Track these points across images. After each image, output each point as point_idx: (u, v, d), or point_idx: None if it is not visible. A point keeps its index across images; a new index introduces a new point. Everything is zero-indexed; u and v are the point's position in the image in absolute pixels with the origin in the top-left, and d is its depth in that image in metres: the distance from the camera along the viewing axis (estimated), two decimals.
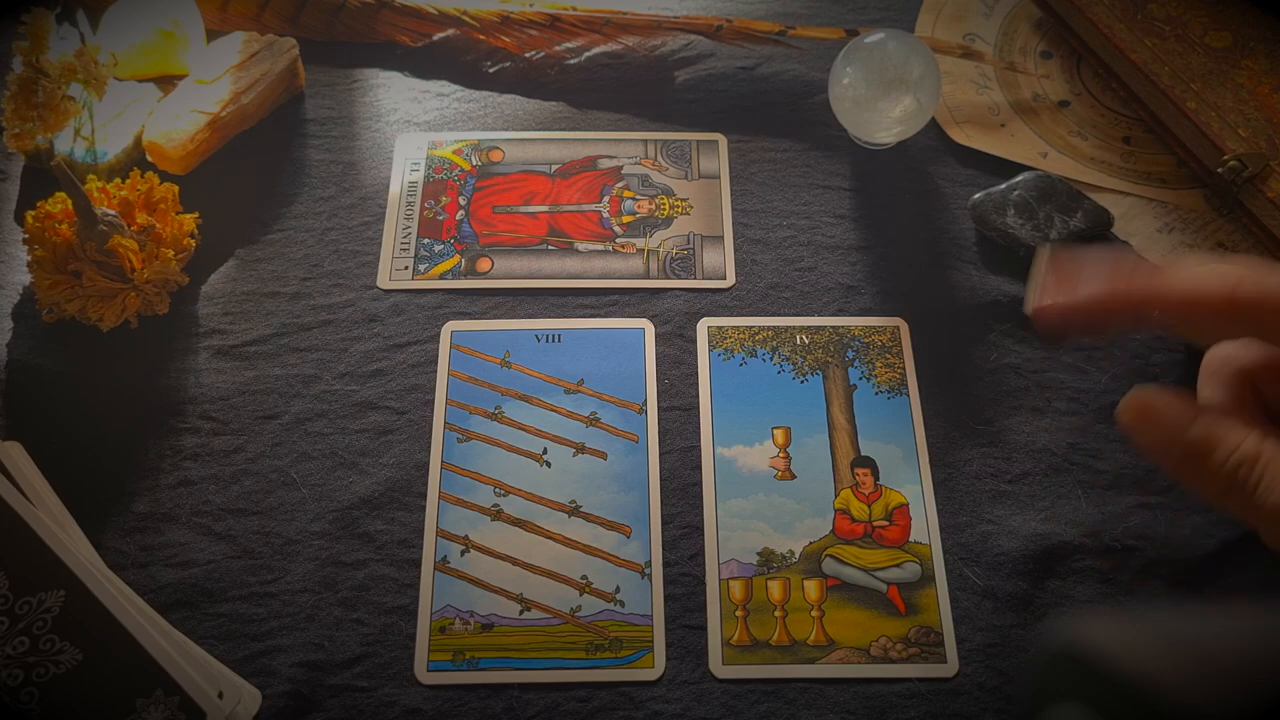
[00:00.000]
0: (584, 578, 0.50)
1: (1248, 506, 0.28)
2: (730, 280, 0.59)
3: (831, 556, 0.51)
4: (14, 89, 0.53)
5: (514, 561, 0.51)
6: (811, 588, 0.50)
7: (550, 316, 0.58)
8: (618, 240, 0.61)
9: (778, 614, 0.49)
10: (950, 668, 0.48)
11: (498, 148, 0.64)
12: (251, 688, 0.47)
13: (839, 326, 0.57)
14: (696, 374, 0.56)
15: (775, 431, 0.54)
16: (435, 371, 0.56)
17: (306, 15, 0.68)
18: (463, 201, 0.62)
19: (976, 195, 0.60)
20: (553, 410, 0.55)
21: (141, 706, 0.45)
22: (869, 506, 0.52)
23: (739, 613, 0.49)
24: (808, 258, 0.60)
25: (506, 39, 0.68)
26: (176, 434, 0.54)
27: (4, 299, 0.58)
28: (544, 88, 0.67)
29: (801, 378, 0.56)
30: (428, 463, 0.53)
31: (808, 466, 0.53)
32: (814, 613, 0.50)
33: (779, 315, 0.58)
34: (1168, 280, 0.30)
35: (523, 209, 0.62)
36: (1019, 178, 0.61)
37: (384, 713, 0.47)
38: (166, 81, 0.64)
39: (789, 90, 0.67)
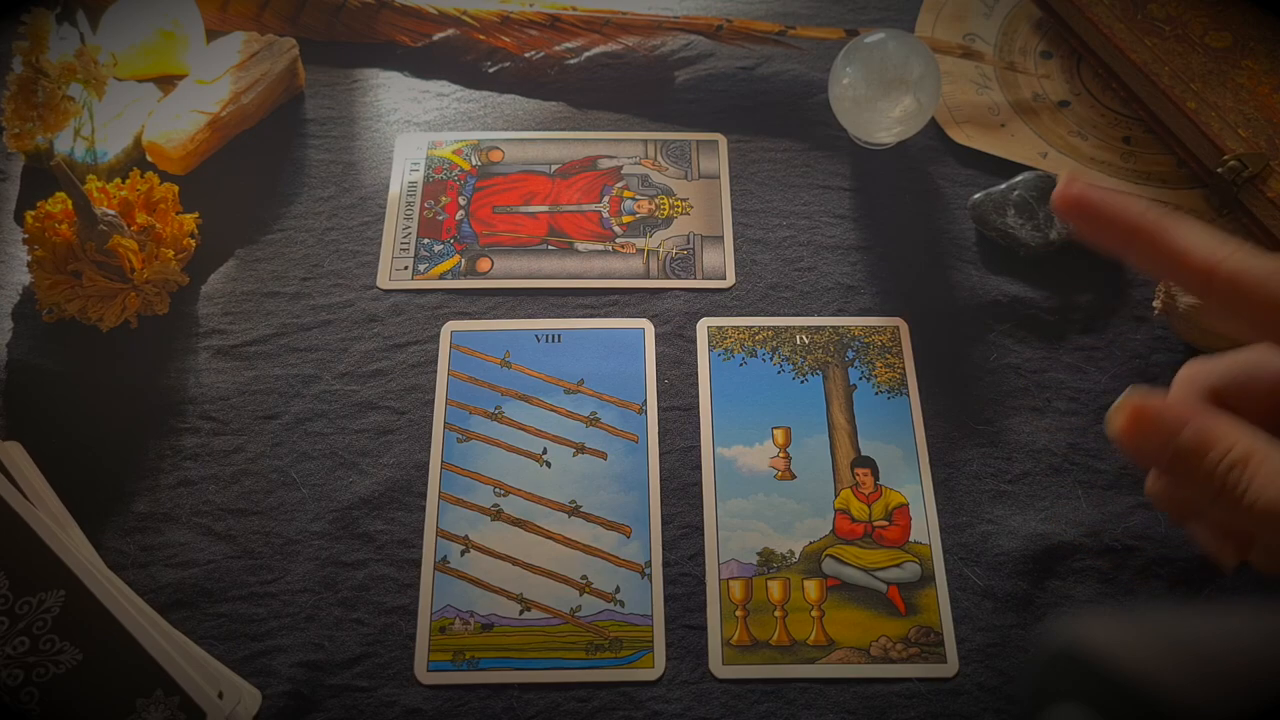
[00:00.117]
0: (584, 578, 0.50)
1: (1237, 509, 0.28)
2: (730, 280, 0.59)
3: (831, 556, 0.51)
4: (14, 89, 0.53)
5: (514, 561, 0.51)
6: (811, 588, 0.50)
7: (550, 316, 0.58)
8: (618, 240, 0.61)
9: (778, 614, 0.49)
10: (950, 668, 0.48)
11: (498, 148, 0.64)
12: (251, 688, 0.47)
13: (839, 326, 0.57)
14: (696, 374, 0.56)
15: (775, 431, 0.54)
16: (435, 371, 0.56)
17: (306, 15, 0.68)
18: (463, 201, 0.62)
19: (976, 195, 0.60)
20: (553, 410, 0.55)
21: (141, 706, 0.45)
22: (869, 506, 0.52)
23: (739, 613, 0.49)
24: (808, 258, 0.60)
25: (506, 39, 0.68)
26: (176, 434, 0.54)
27: (4, 299, 0.58)
28: (544, 88, 0.67)
29: (801, 378, 0.56)
30: (428, 463, 0.53)
31: (808, 466, 0.53)
32: (814, 613, 0.50)
33: (779, 315, 0.58)
34: (1171, 227, 0.30)
35: (523, 209, 0.62)
36: (1019, 178, 0.61)
37: (384, 713, 0.47)
38: (166, 81, 0.64)
39: (789, 90, 0.67)
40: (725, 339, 0.57)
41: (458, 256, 0.60)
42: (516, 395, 0.55)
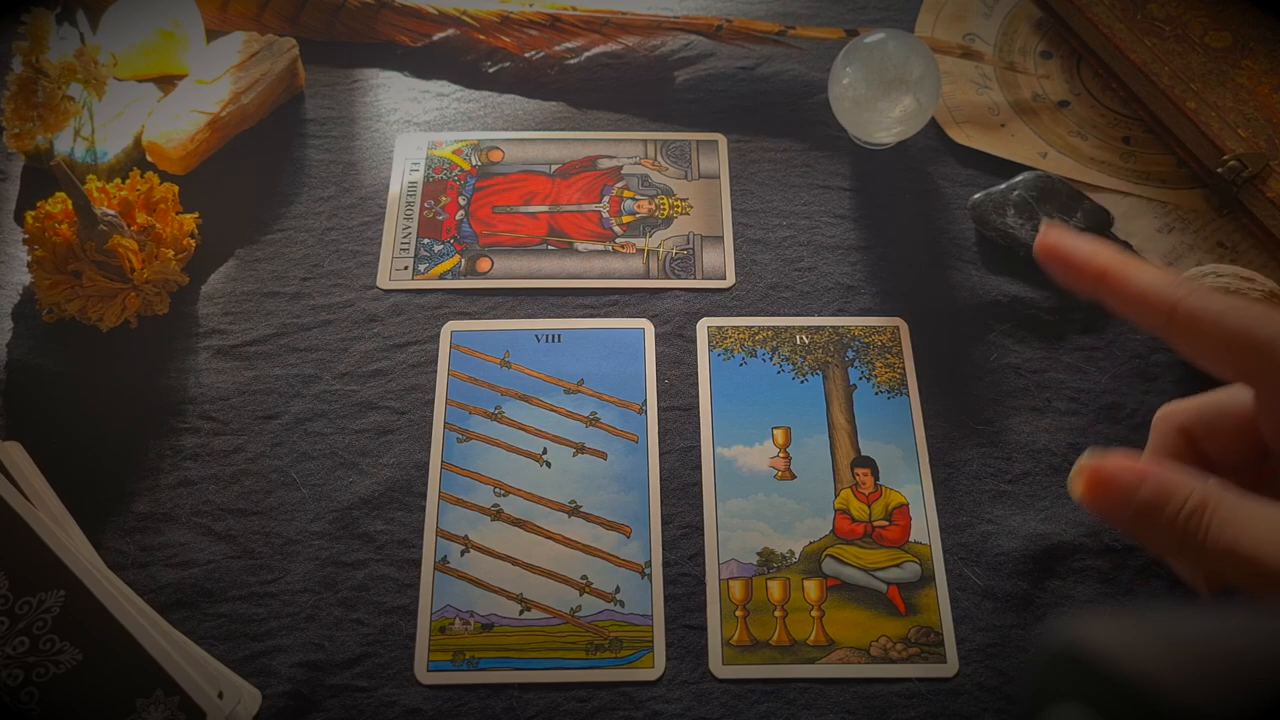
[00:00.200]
0: (584, 578, 0.50)
1: (1202, 553, 0.29)
2: (730, 280, 0.59)
3: (831, 556, 0.51)
4: (14, 89, 0.53)
5: (514, 561, 0.51)
6: (811, 588, 0.50)
7: (550, 316, 0.58)
8: (618, 240, 0.61)
9: (778, 614, 0.49)
10: (950, 668, 0.48)
11: (498, 148, 0.64)
12: (251, 688, 0.47)
13: (839, 326, 0.57)
14: (696, 374, 0.56)
15: (775, 431, 0.54)
16: (435, 371, 0.56)
17: (306, 15, 0.68)
18: (463, 201, 0.62)
19: (976, 195, 0.60)
20: (553, 410, 0.55)
21: (141, 706, 0.45)
22: (869, 506, 0.52)
23: (739, 613, 0.49)
24: (808, 258, 0.60)
25: (506, 39, 0.68)
26: (176, 434, 0.54)
27: (4, 299, 0.58)
28: (544, 88, 0.67)
29: (801, 378, 0.56)
30: (428, 463, 0.53)
31: (808, 466, 0.53)
32: (814, 613, 0.50)
33: (779, 315, 0.58)
34: (1131, 270, 0.32)
35: (523, 209, 0.62)
36: (1019, 178, 0.61)
37: (384, 713, 0.47)
38: (166, 81, 0.64)
39: (789, 90, 0.67)
40: (725, 339, 0.57)
41: (458, 256, 0.60)
42: (516, 395, 0.55)
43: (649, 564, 0.51)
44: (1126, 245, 0.60)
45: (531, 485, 0.53)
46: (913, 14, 0.70)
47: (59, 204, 0.56)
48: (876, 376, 0.56)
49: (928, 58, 0.60)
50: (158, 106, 0.62)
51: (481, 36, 0.68)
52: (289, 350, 0.56)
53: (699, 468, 0.53)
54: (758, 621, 0.49)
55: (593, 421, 0.54)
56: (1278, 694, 0.25)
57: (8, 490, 0.49)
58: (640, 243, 0.61)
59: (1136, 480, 0.30)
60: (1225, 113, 0.60)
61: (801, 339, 0.57)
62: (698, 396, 0.55)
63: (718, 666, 0.48)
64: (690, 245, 0.60)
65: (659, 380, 0.56)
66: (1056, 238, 0.33)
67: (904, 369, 0.56)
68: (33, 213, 0.56)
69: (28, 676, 0.45)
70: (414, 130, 0.65)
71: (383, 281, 0.59)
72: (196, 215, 0.59)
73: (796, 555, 0.51)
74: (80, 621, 0.46)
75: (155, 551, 0.50)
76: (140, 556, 0.50)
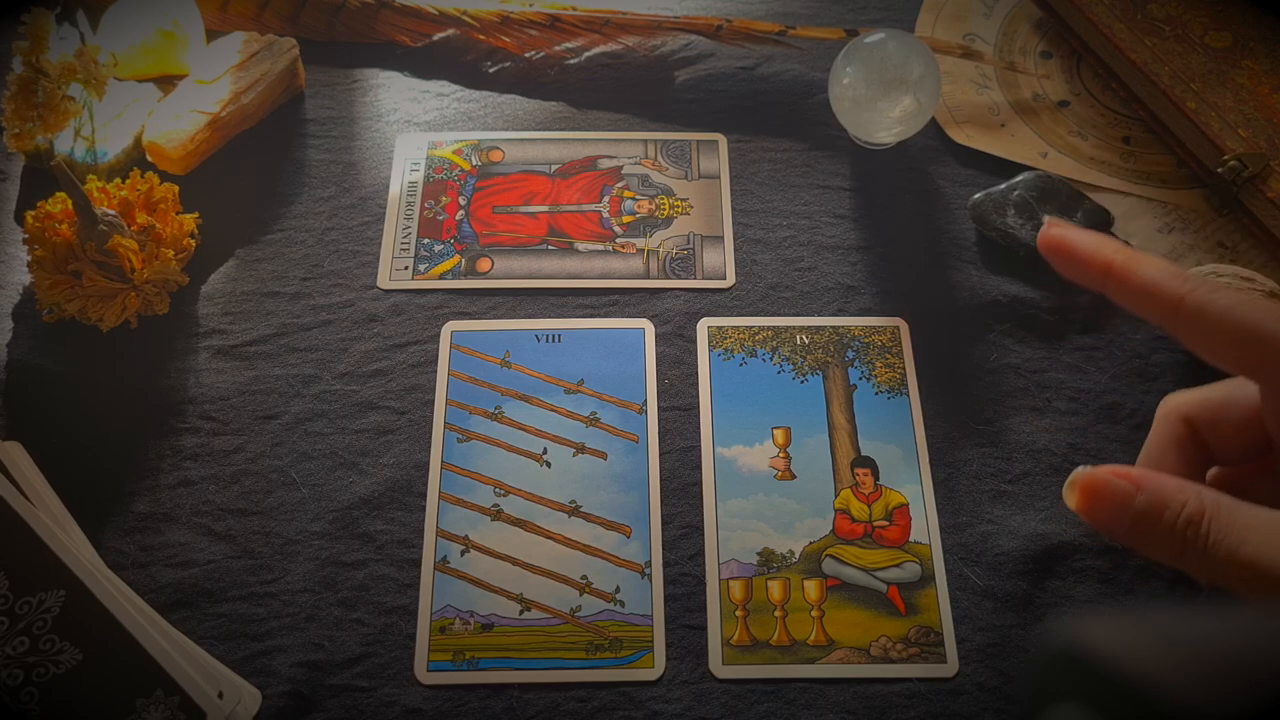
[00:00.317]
0: (584, 578, 0.50)
1: (1202, 561, 0.29)
2: (730, 280, 0.59)
3: (831, 556, 0.51)
4: (14, 89, 0.53)
5: (514, 561, 0.51)
6: (811, 588, 0.50)
7: (550, 316, 0.58)
8: (618, 240, 0.61)
9: (778, 614, 0.49)
10: (950, 668, 0.48)
11: (498, 148, 0.64)
12: (251, 688, 0.47)
13: (839, 326, 0.57)
14: (696, 374, 0.56)
15: (775, 431, 0.54)
16: (435, 371, 0.56)
17: (306, 15, 0.68)
18: (463, 201, 0.62)
19: (976, 195, 0.60)
20: (553, 410, 0.55)
21: (141, 706, 0.45)
22: (869, 506, 0.52)
23: (739, 613, 0.49)
24: (808, 258, 0.60)
25: (506, 39, 0.68)
26: (176, 434, 0.54)
27: (4, 299, 0.58)
28: (544, 88, 0.67)
29: (801, 378, 0.56)
30: (428, 463, 0.53)
31: (808, 466, 0.53)
32: (814, 613, 0.50)
33: (779, 315, 0.58)
34: (1137, 264, 0.32)
35: (523, 209, 0.62)
36: (1019, 178, 0.61)
37: (384, 713, 0.47)
38: (166, 81, 0.64)
39: (789, 90, 0.67)
40: (725, 339, 0.57)
41: (458, 256, 0.60)
42: (516, 395, 0.55)
43: (649, 564, 0.51)
44: (1126, 245, 0.60)
45: (531, 485, 0.53)
46: (913, 14, 0.70)
47: (59, 204, 0.56)
48: (876, 376, 0.56)
49: (928, 58, 0.60)
50: (158, 106, 0.62)
51: (481, 36, 0.68)
52: (289, 350, 0.56)
53: (699, 468, 0.53)
54: (758, 621, 0.49)
55: (593, 421, 0.54)
56: (1278, 694, 0.25)
57: (8, 490, 0.49)
58: (640, 243, 0.61)
59: (1132, 489, 0.30)
60: (1225, 113, 0.60)
61: (801, 339, 0.57)
62: (698, 396, 0.55)
63: (718, 666, 0.48)
64: (690, 245, 0.60)
65: (659, 380, 0.56)
66: (1060, 232, 0.33)
67: (904, 369, 0.56)
68: (33, 213, 0.56)
69: (28, 676, 0.45)
70: (414, 130, 0.65)
71: (383, 281, 0.59)
72: (196, 215, 0.59)
73: (796, 555, 0.51)
74: (80, 621, 0.46)
75: (155, 551, 0.50)
76: (140, 556, 0.50)
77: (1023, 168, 0.62)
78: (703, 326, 0.57)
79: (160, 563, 0.50)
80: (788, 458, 0.53)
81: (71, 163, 0.59)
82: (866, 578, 0.50)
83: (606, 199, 0.62)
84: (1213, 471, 0.35)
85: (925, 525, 0.52)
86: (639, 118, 0.66)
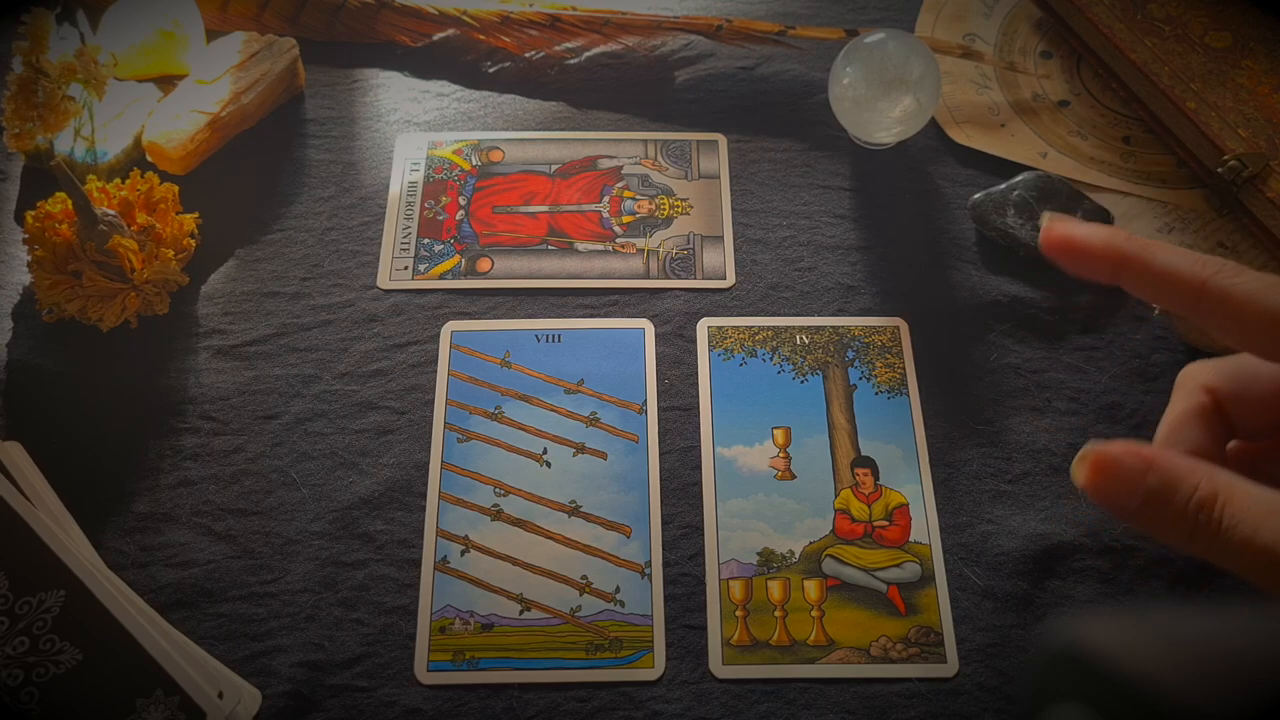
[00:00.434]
0: (584, 578, 0.50)
1: (1214, 546, 0.28)
2: (730, 280, 0.59)
3: (831, 556, 0.51)
4: (14, 89, 0.53)
5: (514, 561, 0.51)
6: (811, 588, 0.50)
7: (550, 316, 0.58)
8: (618, 240, 0.61)
9: (778, 614, 0.49)
10: (950, 668, 0.48)
11: (498, 148, 0.64)
12: (251, 688, 0.47)
13: (839, 326, 0.57)
14: (696, 374, 0.56)
15: (775, 431, 0.54)
16: (435, 371, 0.56)
17: (306, 15, 0.68)
18: (463, 201, 0.62)
19: (976, 195, 0.60)
20: (553, 410, 0.55)
21: (141, 706, 0.45)
22: (869, 506, 0.52)
23: (739, 613, 0.49)
24: (808, 258, 0.60)
25: (506, 39, 0.68)
26: (176, 434, 0.54)
27: (4, 299, 0.58)
28: (544, 88, 0.67)
29: (801, 378, 0.56)
30: (428, 463, 0.53)
31: (808, 466, 0.53)
32: (814, 613, 0.50)
33: (779, 315, 0.58)
34: (1153, 251, 0.31)
35: (523, 209, 0.62)
36: (1019, 178, 0.61)
37: (384, 713, 0.47)
38: (166, 81, 0.64)
39: (789, 90, 0.67)
40: (725, 339, 0.57)
41: (458, 256, 0.60)
42: (516, 395, 0.55)
43: (649, 564, 0.51)
44: (1130, 234, 0.60)
45: (531, 485, 0.53)
46: (913, 14, 0.70)
47: (59, 204, 0.56)
48: (876, 376, 0.56)
49: (928, 58, 0.60)
50: (158, 106, 0.62)
51: (481, 36, 0.68)
52: (289, 350, 0.56)
53: (699, 468, 0.53)
54: (758, 621, 0.49)
55: (593, 421, 0.54)
56: (1278, 694, 0.25)
57: (8, 490, 0.49)
58: (640, 243, 0.61)
59: (1143, 467, 0.29)
60: (1225, 113, 0.60)
61: (801, 339, 0.57)
62: (698, 396, 0.55)
63: (718, 666, 0.48)
64: (690, 245, 0.60)
65: (659, 380, 0.56)
66: (1063, 229, 0.32)
67: (904, 369, 0.56)
68: (33, 213, 0.56)
69: (28, 676, 0.45)
70: (414, 130, 0.65)
71: (383, 281, 0.59)
72: (196, 215, 0.59)
73: (796, 555, 0.51)
74: (80, 621, 0.46)
75: (155, 551, 0.50)
76: (140, 556, 0.50)
77: (1023, 168, 0.62)
78: (703, 326, 0.57)
79: (160, 563, 0.50)
80: (788, 458, 0.53)
81: (71, 163, 0.59)
82: (866, 578, 0.50)
83: (606, 199, 0.62)
84: (1233, 444, 0.34)
85: (925, 525, 0.52)
86: (639, 118, 0.66)
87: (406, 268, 0.59)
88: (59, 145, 0.58)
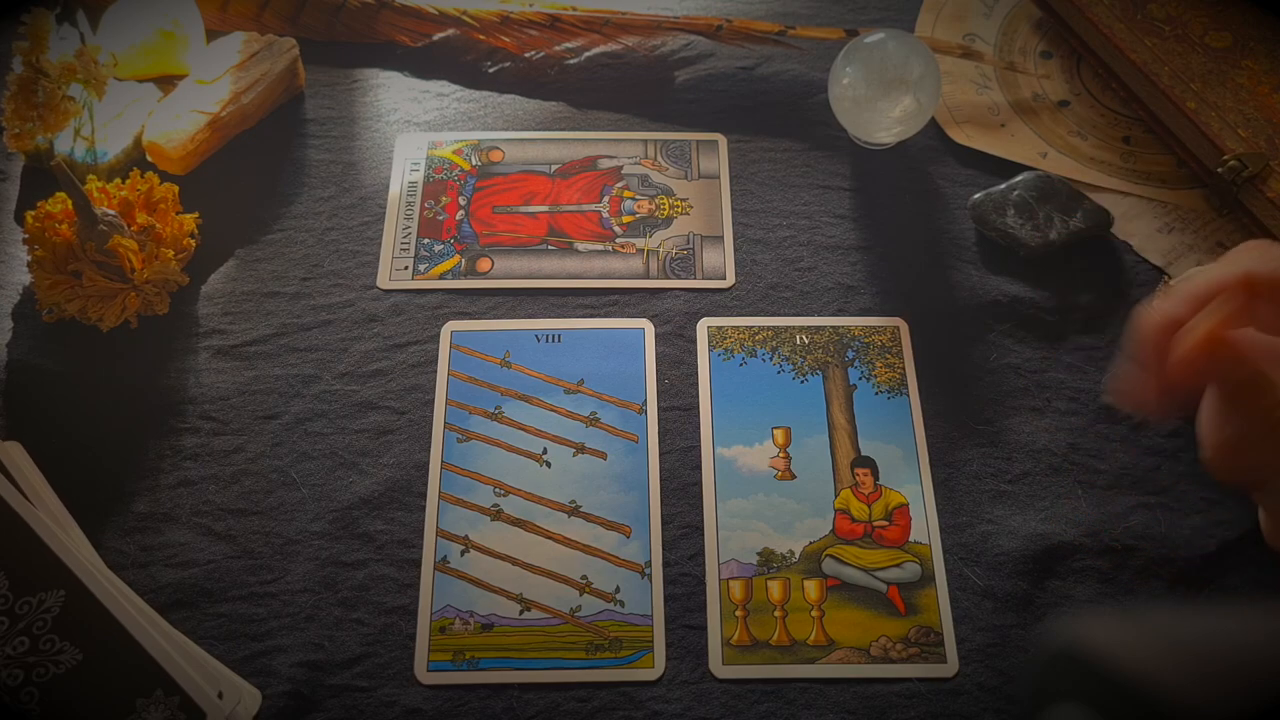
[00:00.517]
0: (584, 578, 0.50)
1: None
2: (730, 280, 0.59)
3: (831, 556, 0.51)
4: (14, 89, 0.53)
5: (514, 561, 0.51)
6: (811, 588, 0.50)
7: (550, 316, 0.58)
8: (618, 240, 0.61)
9: (778, 614, 0.49)
10: (950, 668, 0.48)
11: (498, 148, 0.64)
12: (251, 688, 0.47)
13: (839, 326, 0.57)
14: (696, 374, 0.56)
15: (775, 431, 0.54)
16: (435, 371, 0.56)
17: (306, 15, 0.68)
18: (463, 201, 0.62)
19: (976, 195, 0.60)
20: (553, 410, 0.55)
21: (141, 706, 0.45)
22: (869, 506, 0.52)
23: (739, 613, 0.49)
24: (808, 258, 0.60)
25: (506, 39, 0.68)
26: (176, 434, 0.54)
27: (4, 299, 0.58)
28: (544, 88, 0.67)
29: (801, 378, 0.56)
30: (428, 463, 0.53)
31: (808, 466, 0.53)
32: (814, 613, 0.50)
33: (779, 315, 0.58)
34: (1181, 290, 0.32)
35: (523, 209, 0.62)
36: (1019, 178, 0.61)
37: (384, 713, 0.47)
38: (166, 81, 0.64)
39: (789, 90, 0.67)
40: (725, 339, 0.57)
41: (458, 256, 0.60)
42: (516, 395, 0.55)
43: (649, 564, 0.51)
44: (1126, 245, 0.60)
45: (531, 485, 0.53)
46: (913, 14, 0.70)
47: (59, 204, 0.56)
48: (876, 376, 0.56)
49: (928, 58, 0.60)
50: (158, 106, 0.62)
51: (481, 36, 0.68)
52: (289, 350, 0.56)
53: (699, 468, 0.53)
54: (758, 621, 0.49)
55: (593, 421, 0.54)
56: (1278, 694, 0.25)
57: (8, 490, 0.49)
58: (640, 243, 0.61)
59: (1243, 357, 0.30)
60: (1225, 113, 0.60)
61: (801, 339, 0.57)
62: (698, 396, 0.55)
63: (718, 666, 0.48)
64: (690, 245, 0.60)
65: (659, 380, 0.56)
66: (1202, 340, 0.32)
67: (904, 369, 0.56)
68: (33, 213, 0.56)
69: (28, 676, 0.45)
70: (414, 130, 0.65)
71: (383, 281, 0.59)
72: (196, 215, 0.59)
73: (796, 555, 0.51)
74: (80, 621, 0.46)
75: (155, 551, 0.50)
76: (140, 556, 0.50)
77: (1023, 168, 0.62)
78: (703, 326, 0.57)
79: (160, 563, 0.50)
80: (788, 458, 0.53)
81: (71, 163, 0.59)
82: (866, 578, 0.50)
83: (606, 199, 0.62)
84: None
85: (925, 525, 0.52)
86: (639, 118, 0.66)
87: (406, 268, 0.59)
88: (59, 145, 0.58)
